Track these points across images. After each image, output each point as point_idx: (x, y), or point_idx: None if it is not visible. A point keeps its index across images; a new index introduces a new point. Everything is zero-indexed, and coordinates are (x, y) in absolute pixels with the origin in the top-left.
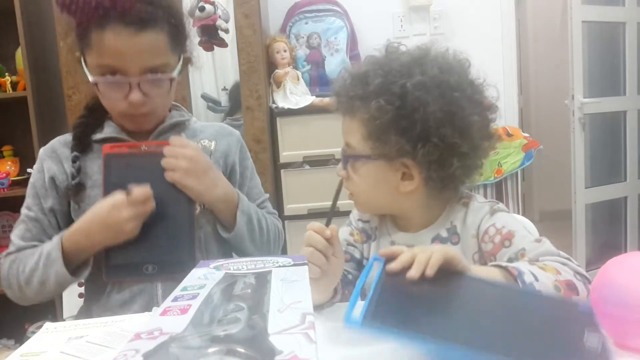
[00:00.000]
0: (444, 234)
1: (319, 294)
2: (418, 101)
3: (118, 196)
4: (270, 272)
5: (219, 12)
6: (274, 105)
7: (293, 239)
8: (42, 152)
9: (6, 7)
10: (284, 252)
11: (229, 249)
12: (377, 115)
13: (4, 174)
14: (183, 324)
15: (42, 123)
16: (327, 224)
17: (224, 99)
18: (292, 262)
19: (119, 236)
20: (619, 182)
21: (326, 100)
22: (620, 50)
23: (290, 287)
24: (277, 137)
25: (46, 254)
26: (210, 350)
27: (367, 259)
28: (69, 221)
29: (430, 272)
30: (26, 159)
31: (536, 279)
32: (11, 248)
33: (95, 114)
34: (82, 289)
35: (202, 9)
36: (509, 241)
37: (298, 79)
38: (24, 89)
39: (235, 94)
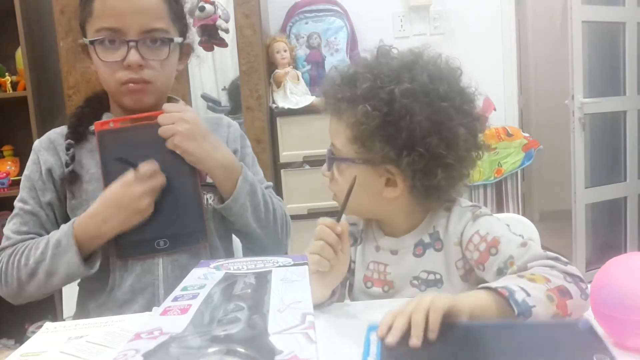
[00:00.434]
0: (427, 239)
1: (324, 289)
2: (405, 109)
3: (127, 175)
4: (270, 272)
5: (219, 12)
6: (274, 105)
7: (293, 238)
8: (37, 143)
9: (6, 7)
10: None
11: (230, 243)
12: (363, 121)
13: (4, 174)
14: (183, 324)
15: (42, 123)
16: (338, 220)
17: (224, 99)
18: (292, 262)
19: (135, 216)
20: (619, 182)
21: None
22: (620, 50)
23: (290, 287)
24: (277, 137)
25: (55, 244)
26: (210, 350)
27: (354, 262)
28: (67, 216)
29: (433, 336)
30: (26, 159)
31: (528, 294)
32: (5, 242)
33: (94, 105)
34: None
35: (202, 8)
36: (495, 248)
37: (298, 79)
38: (24, 89)
39: (234, 93)
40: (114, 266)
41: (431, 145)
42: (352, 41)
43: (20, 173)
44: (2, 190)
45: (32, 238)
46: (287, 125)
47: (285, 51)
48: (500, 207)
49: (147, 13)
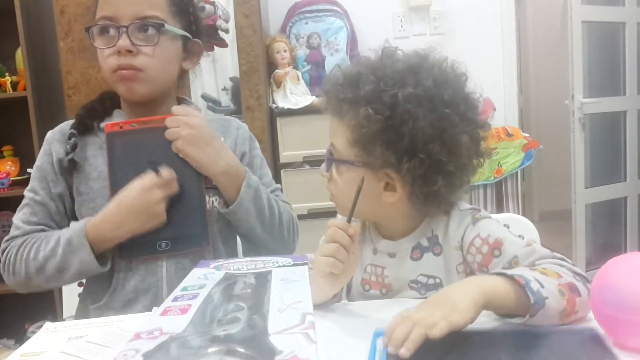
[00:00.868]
0: (425, 242)
1: (332, 289)
2: (408, 114)
3: (148, 179)
4: (270, 272)
5: (219, 12)
6: (274, 105)
7: None
8: (50, 134)
9: (6, 7)
10: None
11: (235, 247)
12: (364, 124)
13: (4, 174)
14: (183, 324)
15: (42, 123)
16: (349, 220)
17: (224, 99)
18: (292, 262)
19: (149, 222)
20: (619, 182)
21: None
22: (620, 50)
23: (290, 287)
24: (277, 137)
25: (66, 242)
26: (210, 350)
27: None
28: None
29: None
30: (26, 159)
31: (542, 286)
32: (15, 232)
33: (107, 102)
34: (82, 289)
35: (202, 9)
36: (498, 250)
37: (298, 79)
38: (24, 89)
39: (237, 94)
40: (118, 267)
41: (433, 151)
42: (352, 41)
43: (20, 173)
44: (2, 191)
45: (42, 229)
46: (287, 126)
47: (285, 51)
48: (500, 207)
49: (143, 2)
